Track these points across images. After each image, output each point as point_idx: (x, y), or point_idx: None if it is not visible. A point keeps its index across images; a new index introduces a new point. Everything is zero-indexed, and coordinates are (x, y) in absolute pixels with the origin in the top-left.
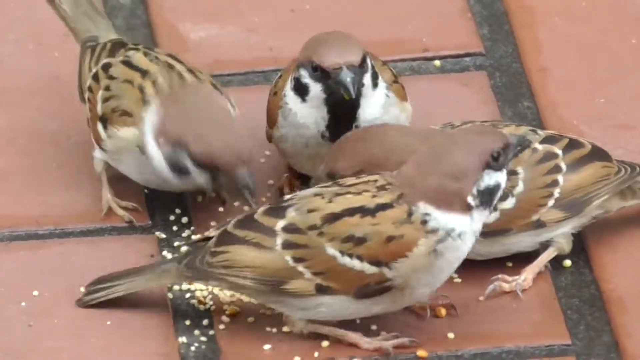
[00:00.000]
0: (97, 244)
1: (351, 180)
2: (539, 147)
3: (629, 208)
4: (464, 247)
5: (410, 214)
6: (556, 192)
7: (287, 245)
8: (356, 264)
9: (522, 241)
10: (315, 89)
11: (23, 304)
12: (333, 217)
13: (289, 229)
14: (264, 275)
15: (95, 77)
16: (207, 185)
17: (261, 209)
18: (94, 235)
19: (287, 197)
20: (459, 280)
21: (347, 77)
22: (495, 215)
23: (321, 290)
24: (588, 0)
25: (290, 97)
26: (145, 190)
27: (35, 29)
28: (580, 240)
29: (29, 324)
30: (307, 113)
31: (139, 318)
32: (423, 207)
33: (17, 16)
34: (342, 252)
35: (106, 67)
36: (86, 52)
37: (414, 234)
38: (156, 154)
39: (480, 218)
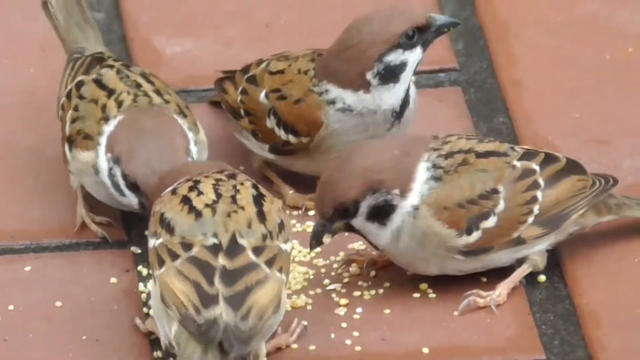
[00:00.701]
0: (73, 258)
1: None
2: (517, 164)
3: (603, 223)
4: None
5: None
6: (536, 208)
7: (269, 264)
8: (289, 246)
9: (501, 257)
10: (414, 57)
11: None
12: (261, 215)
13: (258, 252)
14: (276, 301)
15: (69, 95)
16: (136, 207)
17: (222, 260)
18: (69, 250)
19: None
20: (433, 295)
21: (441, 15)
22: (477, 235)
23: (284, 286)
24: (563, 14)
25: (366, 98)
26: None
27: (11, 44)
28: (554, 255)
29: (4, 338)
30: (391, 94)
31: (114, 332)
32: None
33: None
34: (285, 242)
35: (79, 86)
36: (68, 66)
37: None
38: (104, 169)
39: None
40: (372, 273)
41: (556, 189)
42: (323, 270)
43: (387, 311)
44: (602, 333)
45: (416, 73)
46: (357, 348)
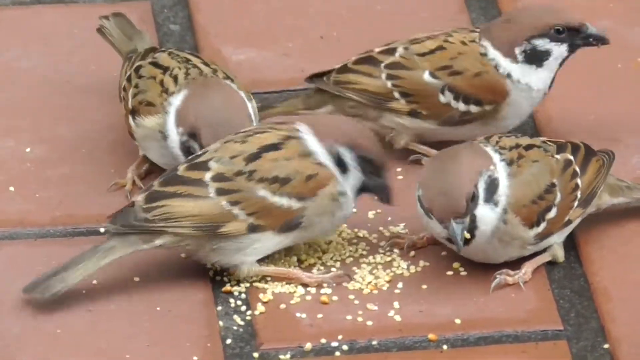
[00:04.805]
0: None
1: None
2: (558, 156)
3: (614, 210)
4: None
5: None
6: (578, 193)
7: (221, 192)
8: (284, 201)
9: (553, 239)
10: (558, 51)
11: (84, 291)
12: (253, 157)
13: (218, 178)
14: (203, 222)
15: (129, 79)
16: None
17: (181, 167)
18: None
19: (199, 152)
20: (464, 273)
21: (595, 27)
22: (543, 225)
23: (252, 229)
24: None
25: (517, 69)
26: None
27: (97, 53)
28: (571, 240)
29: (88, 309)
30: (538, 78)
31: (184, 304)
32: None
33: (81, 42)
34: (273, 193)
35: (137, 69)
36: (125, 63)
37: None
38: (175, 140)
39: None
40: (412, 253)
41: (587, 173)
42: (368, 249)
43: (424, 286)
44: (612, 306)
45: None
46: (398, 318)
